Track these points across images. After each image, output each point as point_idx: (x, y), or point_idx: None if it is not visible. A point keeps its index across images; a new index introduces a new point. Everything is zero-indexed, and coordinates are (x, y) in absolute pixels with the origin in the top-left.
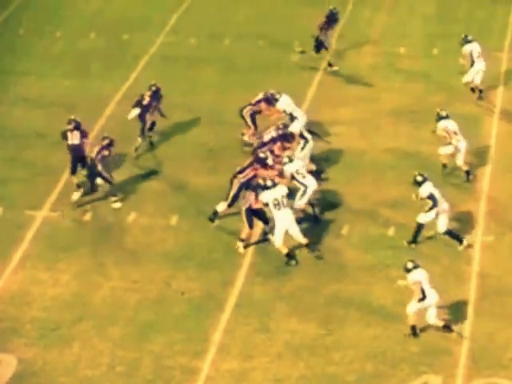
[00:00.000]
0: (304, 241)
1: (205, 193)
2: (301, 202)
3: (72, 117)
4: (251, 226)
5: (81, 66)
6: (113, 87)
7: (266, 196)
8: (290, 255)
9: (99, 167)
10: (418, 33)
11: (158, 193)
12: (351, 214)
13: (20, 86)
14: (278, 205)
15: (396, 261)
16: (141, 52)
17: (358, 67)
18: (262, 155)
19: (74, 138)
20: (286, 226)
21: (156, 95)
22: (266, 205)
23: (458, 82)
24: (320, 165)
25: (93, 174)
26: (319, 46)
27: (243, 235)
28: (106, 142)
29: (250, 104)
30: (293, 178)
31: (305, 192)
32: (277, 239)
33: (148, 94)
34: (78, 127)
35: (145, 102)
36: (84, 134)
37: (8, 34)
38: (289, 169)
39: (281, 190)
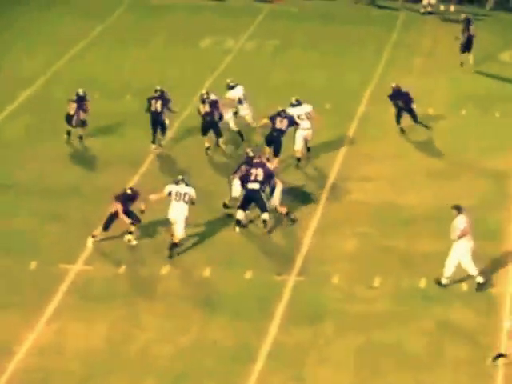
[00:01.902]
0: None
1: (236, 244)
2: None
3: (158, 87)
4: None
5: (116, 127)
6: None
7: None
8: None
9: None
10: (446, 94)
11: (191, 244)
12: (382, 266)
13: (55, 142)
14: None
15: (427, 312)
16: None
17: (388, 126)
18: (251, 154)
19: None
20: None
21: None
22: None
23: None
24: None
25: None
26: None
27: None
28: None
29: None
30: None
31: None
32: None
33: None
34: (161, 96)
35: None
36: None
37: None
38: None
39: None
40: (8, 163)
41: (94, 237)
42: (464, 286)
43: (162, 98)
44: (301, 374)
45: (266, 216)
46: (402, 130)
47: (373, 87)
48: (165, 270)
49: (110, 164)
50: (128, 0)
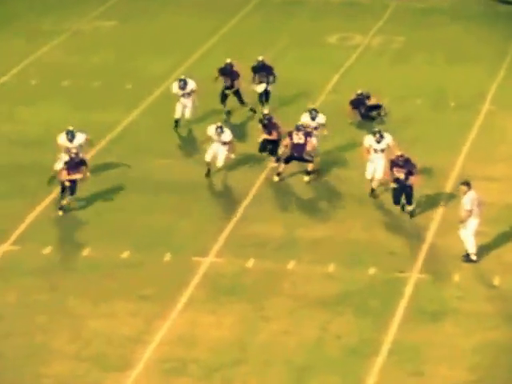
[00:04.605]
0: None
1: (360, 241)
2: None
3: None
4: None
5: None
6: None
7: None
8: None
9: None
10: None
11: (316, 242)
12: (504, 265)
13: (184, 137)
14: None
15: None
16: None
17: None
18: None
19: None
20: None
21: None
22: None
23: None
24: None
25: None
26: None
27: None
28: None
29: None
30: None
31: None
32: None
33: None
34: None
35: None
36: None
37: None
38: None
39: None
40: (139, 160)
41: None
42: None
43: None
44: (420, 370)
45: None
46: None
47: (496, 86)
48: (291, 265)
49: (239, 162)
50: None
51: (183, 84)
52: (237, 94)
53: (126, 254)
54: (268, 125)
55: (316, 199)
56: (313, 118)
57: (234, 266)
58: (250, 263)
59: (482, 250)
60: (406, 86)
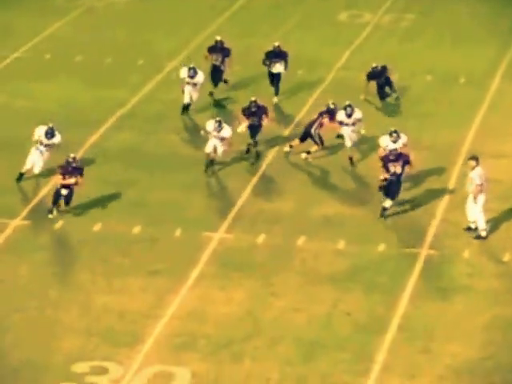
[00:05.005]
0: None
1: (369, 218)
2: None
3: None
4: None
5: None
6: None
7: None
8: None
9: None
10: None
11: (326, 218)
12: None
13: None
14: None
15: None
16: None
17: None
18: (331, 106)
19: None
20: None
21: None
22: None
23: None
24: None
25: None
26: None
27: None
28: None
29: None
30: None
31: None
32: None
33: None
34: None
35: None
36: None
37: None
38: None
39: None
40: (150, 135)
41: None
42: None
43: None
44: (429, 347)
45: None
46: None
47: (507, 63)
48: (301, 241)
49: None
50: None
51: (193, 73)
52: (219, 71)
53: (137, 230)
54: (257, 111)
55: (327, 177)
56: (349, 115)
57: (244, 242)
58: (261, 239)
59: (491, 227)
60: (416, 64)
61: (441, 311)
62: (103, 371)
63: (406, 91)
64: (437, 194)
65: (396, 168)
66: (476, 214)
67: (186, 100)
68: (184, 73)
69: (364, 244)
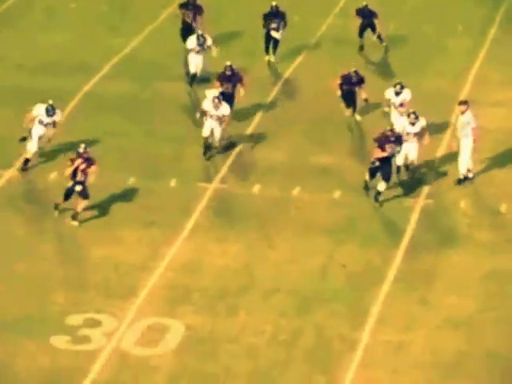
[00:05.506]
0: None
1: (366, 169)
2: None
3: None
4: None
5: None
6: None
7: None
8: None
9: None
10: None
11: (321, 169)
12: (509, 193)
13: None
14: None
15: None
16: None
17: None
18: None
19: None
20: None
21: None
22: None
23: None
24: None
25: None
26: None
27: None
28: None
29: None
30: None
31: None
32: None
33: None
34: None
35: None
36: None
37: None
38: None
39: None
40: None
41: None
42: None
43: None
44: (426, 298)
45: None
46: None
47: (504, 11)
48: (296, 191)
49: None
50: None
51: (203, 40)
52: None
53: (131, 181)
54: (231, 77)
55: (323, 127)
56: (397, 93)
57: (239, 193)
58: (256, 189)
59: (488, 177)
60: (413, 12)
61: (437, 263)
62: (97, 324)
63: (402, 40)
64: (433, 143)
65: (393, 150)
66: (466, 157)
67: (193, 69)
68: (192, 42)
69: (360, 194)
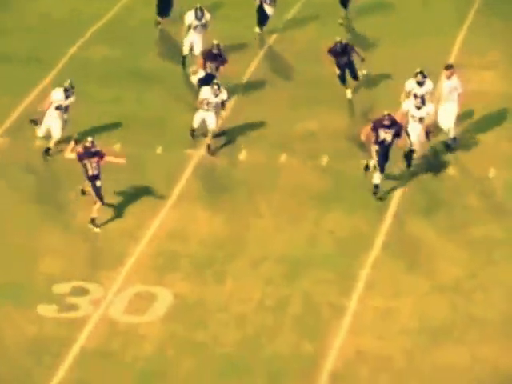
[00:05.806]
0: None
1: (354, 135)
2: None
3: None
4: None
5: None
6: None
7: None
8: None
9: None
10: None
11: (308, 135)
12: (497, 158)
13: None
14: None
15: None
16: None
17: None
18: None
19: None
20: None
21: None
22: None
23: None
24: None
25: None
26: None
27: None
28: None
29: None
30: None
31: None
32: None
33: None
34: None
35: None
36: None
37: None
38: None
39: None
40: (130, 50)
41: None
42: None
43: None
44: (413, 265)
45: None
46: None
47: None
48: (283, 158)
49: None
50: None
51: (201, 14)
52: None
53: (117, 148)
54: (216, 56)
55: (309, 93)
56: (420, 83)
57: (225, 160)
58: (242, 156)
59: (476, 141)
60: None
61: (425, 228)
62: (84, 292)
63: (387, 7)
64: None
65: (386, 135)
66: (451, 121)
67: (186, 51)
68: (190, 17)
69: (347, 161)
